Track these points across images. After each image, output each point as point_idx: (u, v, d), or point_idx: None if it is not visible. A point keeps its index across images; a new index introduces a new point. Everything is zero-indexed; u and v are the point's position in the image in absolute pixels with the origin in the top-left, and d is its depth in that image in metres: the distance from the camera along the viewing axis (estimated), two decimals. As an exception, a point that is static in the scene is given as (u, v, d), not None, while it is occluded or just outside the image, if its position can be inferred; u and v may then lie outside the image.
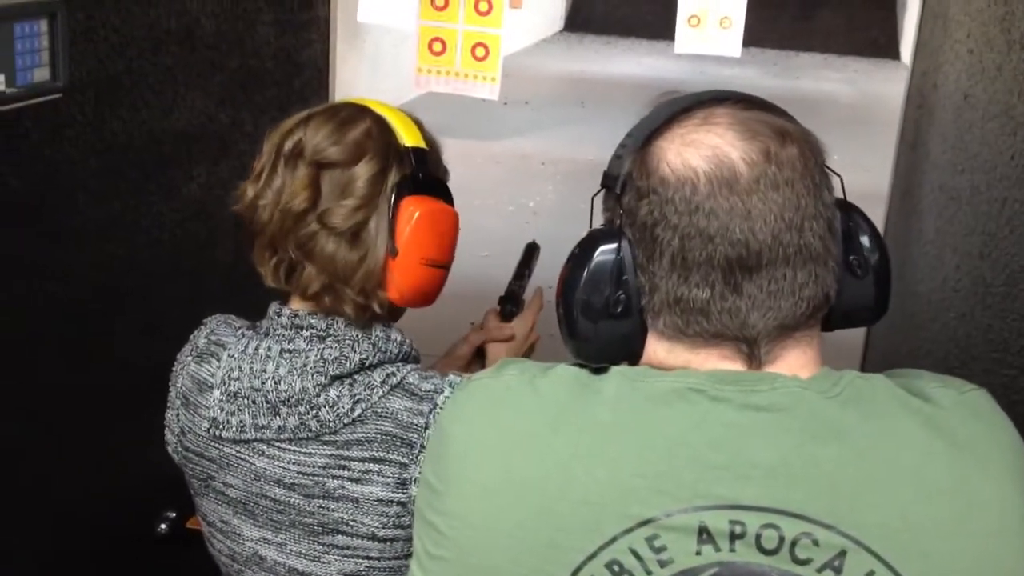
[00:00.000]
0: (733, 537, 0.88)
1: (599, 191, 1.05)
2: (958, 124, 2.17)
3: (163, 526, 2.02)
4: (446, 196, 1.37)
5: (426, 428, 1.28)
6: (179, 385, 1.42)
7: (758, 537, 0.88)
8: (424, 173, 1.33)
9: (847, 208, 1.02)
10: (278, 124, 1.37)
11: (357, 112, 1.36)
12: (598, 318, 1.00)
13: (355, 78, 8.34)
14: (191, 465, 1.40)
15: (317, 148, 1.31)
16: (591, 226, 1.04)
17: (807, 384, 0.94)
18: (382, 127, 1.34)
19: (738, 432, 0.91)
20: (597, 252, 1.00)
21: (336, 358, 1.31)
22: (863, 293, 1.02)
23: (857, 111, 11.17)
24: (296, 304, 1.37)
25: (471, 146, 8.38)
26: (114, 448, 1.95)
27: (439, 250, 1.34)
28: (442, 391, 1.30)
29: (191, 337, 1.44)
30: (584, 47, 15.57)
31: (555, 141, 9.26)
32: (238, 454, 1.35)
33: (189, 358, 1.41)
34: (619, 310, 0.99)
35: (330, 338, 1.32)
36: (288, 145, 1.33)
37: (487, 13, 4.59)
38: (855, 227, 1.02)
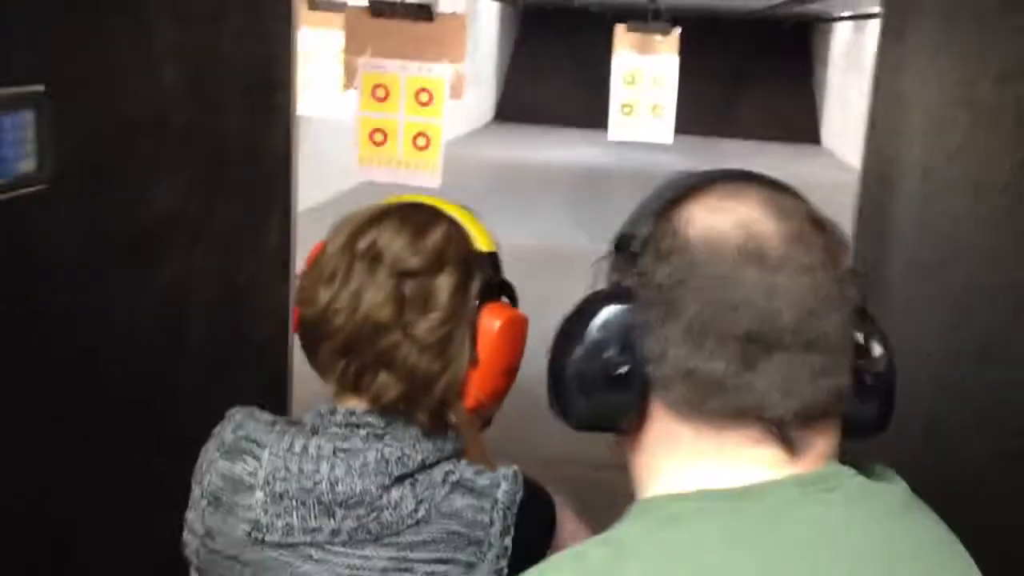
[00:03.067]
0: None
1: (604, 255, 0.99)
2: (922, 197, 2.24)
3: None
4: (514, 299, 1.37)
5: (491, 525, 1.24)
6: (205, 484, 1.32)
7: None
8: (498, 279, 1.34)
9: (863, 313, 0.96)
10: (343, 220, 1.32)
11: (432, 216, 1.33)
12: (599, 385, 0.93)
13: (298, 167, 8.32)
14: (217, 569, 1.31)
15: (398, 257, 1.27)
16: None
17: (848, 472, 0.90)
18: (459, 232, 1.33)
19: (824, 529, 0.86)
20: (603, 313, 0.94)
21: (399, 458, 1.26)
22: (867, 403, 0.95)
23: (784, 194, 11.45)
24: (352, 402, 1.30)
25: (410, 234, 8.40)
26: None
27: (516, 357, 1.33)
28: (499, 484, 1.27)
29: (215, 432, 1.35)
30: (518, 136, 15.82)
31: (493, 228, 9.33)
32: (281, 558, 1.27)
33: (217, 454, 1.32)
34: (623, 377, 0.93)
35: (388, 436, 1.27)
36: (362, 246, 1.28)
37: (428, 103, 4.64)
38: (869, 333, 0.96)
